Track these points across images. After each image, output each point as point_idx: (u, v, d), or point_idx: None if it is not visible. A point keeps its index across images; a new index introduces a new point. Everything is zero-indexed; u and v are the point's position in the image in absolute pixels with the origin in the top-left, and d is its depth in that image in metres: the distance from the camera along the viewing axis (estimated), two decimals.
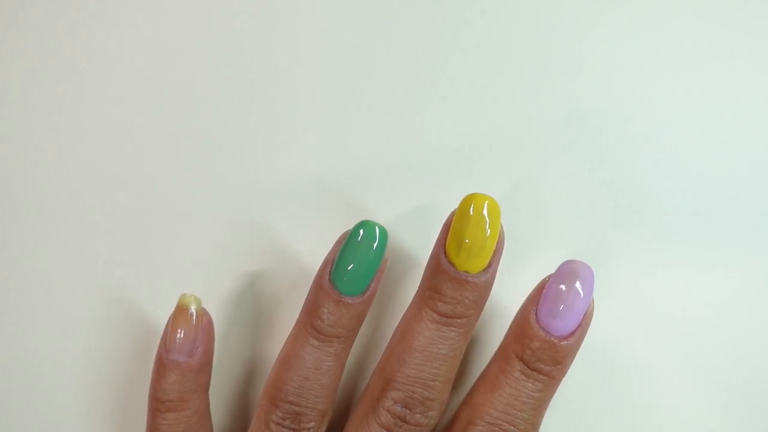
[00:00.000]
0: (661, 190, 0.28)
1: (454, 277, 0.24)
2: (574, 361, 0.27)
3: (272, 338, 0.29)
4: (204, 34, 0.30)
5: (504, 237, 0.25)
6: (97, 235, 0.29)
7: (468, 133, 0.29)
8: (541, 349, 0.24)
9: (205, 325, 0.26)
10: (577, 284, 0.24)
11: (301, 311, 0.26)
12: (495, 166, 0.29)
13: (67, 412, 0.29)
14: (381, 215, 0.29)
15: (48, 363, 0.29)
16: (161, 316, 0.28)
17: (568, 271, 0.24)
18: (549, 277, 0.25)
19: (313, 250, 0.29)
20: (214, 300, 0.29)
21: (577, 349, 0.24)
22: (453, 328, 0.24)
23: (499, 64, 0.29)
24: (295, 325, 0.26)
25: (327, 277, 0.25)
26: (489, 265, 0.24)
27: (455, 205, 0.25)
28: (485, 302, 0.25)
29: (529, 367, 0.24)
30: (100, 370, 0.29)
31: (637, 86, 0.29)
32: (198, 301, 0.26)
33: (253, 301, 0.29)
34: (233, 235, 0.29)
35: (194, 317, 0.25)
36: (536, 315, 0.24)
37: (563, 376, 0.25)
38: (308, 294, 0.26)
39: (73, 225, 0.30)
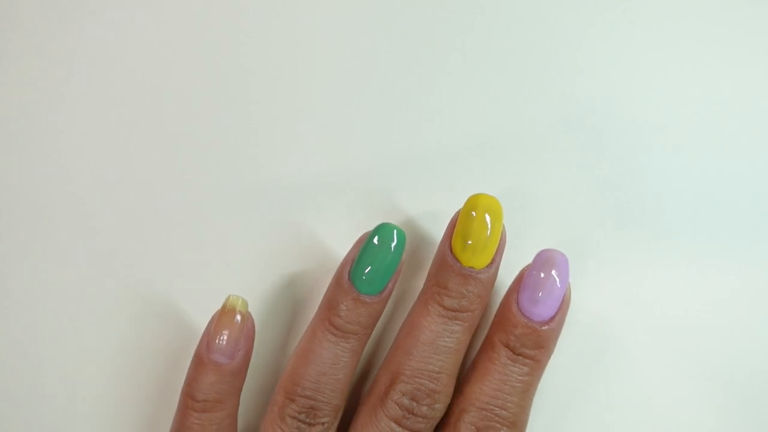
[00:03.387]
0: (661, 190, 0.28)
1: (459, 273, 0.25)
2: (574, 361, 0.28)
3: (280, 335, 0.29)
4: (207, 35, 0.30)
5: (506, 235, 0.26)
6: (106, 236, 0.30)
7: (469, 133, 0.29)
8: (524, 334, 0.25)
9: (248, 328, 0.26)
10: (554, 272, 0.25)
11: (319, 308, 0.26)
12: (496, 166, 0.29)
13: (72, 411, 0.29)
14: (389, 215, 0.29)
15: (50, 362, 0.29)
16: (174, 315, 0.29)
17: (544, 260, 0.25)
18: (527, 267, 0.26)
19: (327, 249, 0.29)
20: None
21: (559, 333, 0.26)
22: (458, 322, 0.25)
23: (499, 64, 0.29)
24: (313, 321, 0.26)
25: (346, 276, 0.26)
26: (492, 262, 0.25)
27: (458, 204, 0.26)
28: (488, 297, 0.26)
29: (514, 353, 0.25)
30: (107, 368, 0.29)
31: (637, 86, 0.29)
32: (245, 304, 0.26)
33: (264, 299, 0.29)
34: (250, 234, 0.29)
35: (240, 320, 0.26)
36: (517, 303, 0.25)
37: (548, 359, 0.26)
38: (327, 291, 0.26)
39: (80, 225, 0.30)
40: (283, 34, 0.30)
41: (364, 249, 0.25)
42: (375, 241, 0.25)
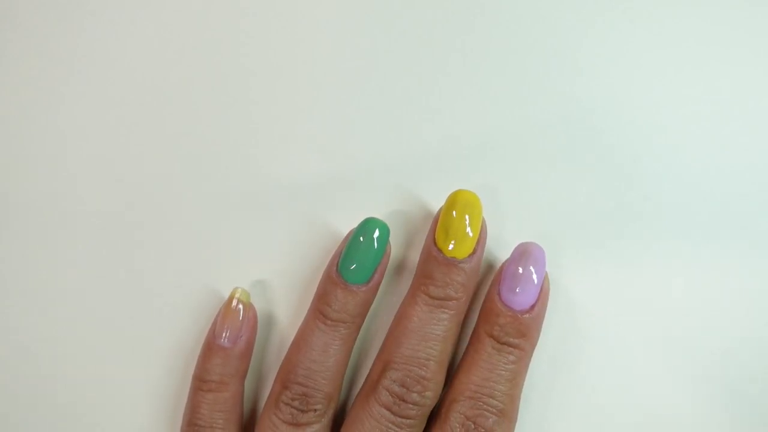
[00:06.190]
0: (661, 190, 0.28)
1: (443, 262, 0.26)
2: (573, 361, 0.28)
3: (280, 330, 0.29)
4: (207, 35, 0.30)
5: (486, 227, 0.27)
6: (107, 236, 0.30)
7: (469, 133, 0.29)
8: (507, 324, 0.26)
9: (250, 317, 0.28)
10: (531, 262, 0.26)
11: (313, 299, 0.28)
12: (496, 166, 0.29)
13: (72, 409, 0.30)
14: (389, 214, 0.29)
15: (51, 361, 0.30)
16: (173, 313, 0.29)
17: (521, 252, 0.27)
18: (506, 260, 0.27)
19: (327, 248, 0.29)
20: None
21: (540, 322, 0.27)
22: (444, 310, 0.26)
23: (499, 64, 0.29)
24: (307, 313, 0.28)
25: (335, 268, 0.27)
26: (474, 252, 0.27)
27: None
28: (473, 287, 0.27)
29: (498, 342, 0.26)
30: (107, 366, 0.30)
31: (637, 86, 0.29)
32: (247, 296, 0.28)
33: (265, 296, 0.29)
34: (250, 234, 0.30)
35: (242, 310, 0.28)
36: (499, 294, 0.26)
37: (532, 348, 0.27)
38: (319, 283, 0.28)
39: (80, 225, 0.30)
40: (283, 34, 0.30)
41: (350, 242, 0.27)
42: (360, 234, 0.27)
